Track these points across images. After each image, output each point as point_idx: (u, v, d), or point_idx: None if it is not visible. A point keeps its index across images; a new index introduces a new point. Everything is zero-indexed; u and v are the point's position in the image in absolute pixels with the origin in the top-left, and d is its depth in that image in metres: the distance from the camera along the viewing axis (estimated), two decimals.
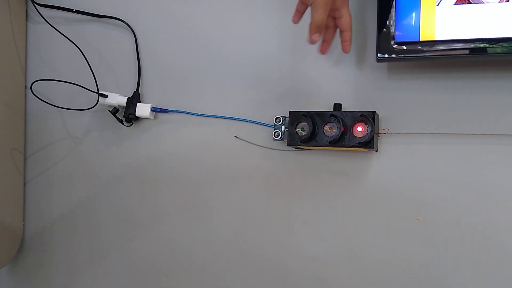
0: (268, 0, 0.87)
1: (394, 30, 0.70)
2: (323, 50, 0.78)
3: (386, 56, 0.72)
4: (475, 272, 0.75)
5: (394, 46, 0.71)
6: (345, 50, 0.76)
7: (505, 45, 0.65)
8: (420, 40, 0.69)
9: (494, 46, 0.66)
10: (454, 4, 0.67)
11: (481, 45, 0.66)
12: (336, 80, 0.83)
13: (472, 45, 0.67)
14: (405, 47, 0.70)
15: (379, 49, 0.72)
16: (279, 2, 0.87)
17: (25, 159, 1.02)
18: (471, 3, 0.66)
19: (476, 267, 0.74)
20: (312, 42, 0.70)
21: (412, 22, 0.69)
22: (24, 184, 1.02)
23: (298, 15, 0.74)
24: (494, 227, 0.74)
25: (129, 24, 0.95)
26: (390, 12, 0.71)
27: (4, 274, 1.03)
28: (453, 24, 0.67)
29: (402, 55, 0.71)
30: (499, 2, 0.65)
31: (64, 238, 1.01)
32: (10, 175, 0.97)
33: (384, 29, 0.72)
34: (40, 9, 0.97)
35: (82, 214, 0.99)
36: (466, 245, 0.75)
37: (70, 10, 0.98)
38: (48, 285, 1.01)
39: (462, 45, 0.67)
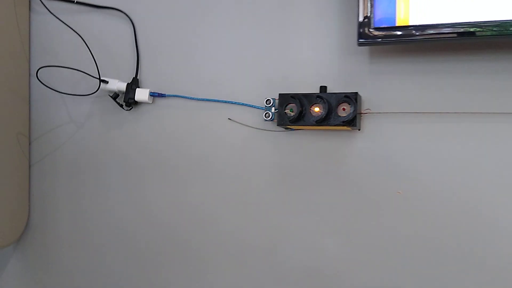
0: None
1: (373, 16, 0.77)
2: None
3: (366, 40, 0.78)
4: (450, 239, 0.81)
5: (373, 31, 0.77)
6: None
7: (478, 29, 0.72)
8: (396, 25, 0.76)
9: (473, 29, 0.72)
10: None
11: (464, 29, 0.73)
12: (322, 65, 0.89)
13: (444, 30, 0.74)
14: (382, 32, 0.77)
15: (359, 35, 0.78)
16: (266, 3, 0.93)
17: (30, 143, 1.07)
18: None
19: (452, 235, 0.81)
20: None
21: (388, 9, 0.76)
22: (30, 166, 1.07)
23: None
24: (470, 198, 0.81)
25: (128, 14, 1.01)
26: (370, 0, 0.77)
27: (11, 251, 1.09)
28: (425, 10, 0.74)
29: (380, 40, 0.77)
30: None
31: (68, 217, 1.06)
32: (16, 158, 1.03)
33: (364, 16, 0.78)
34: (43, 0, 1.02)
35: (85, 194, 1.05)
36: (443, 216, 0.82)
37: (72, 2, 1.04)
38: (52, 262, 1.07)
39: (433, 30, 0.74)
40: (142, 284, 1.01)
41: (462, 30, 0.73)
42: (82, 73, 0.98)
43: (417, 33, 0.75)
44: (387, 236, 0.85)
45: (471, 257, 0.80)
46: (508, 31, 0.70)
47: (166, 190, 0.99)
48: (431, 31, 0.74)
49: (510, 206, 0.78)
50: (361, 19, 0.78)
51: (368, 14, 0.77)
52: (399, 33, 0.76)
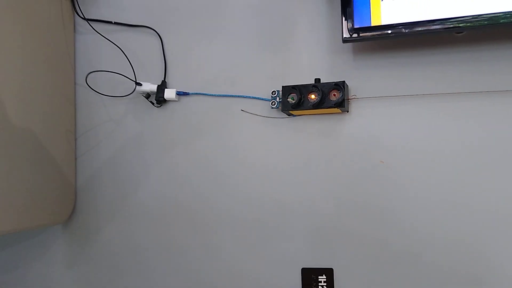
0: (260, 8, 1.15)
1: (353, 19, 0.98)
2: None
3: (349, 38, 0.99)
4: (423, 197, 0.99)
5: (354, 31, 0.98)
6: None
7: (437, 26, 0.92)
8: (372, 25, 0.97)
9: (434, 26, 0.92)
10: None
11: (425, 27, 0.92)
12: (315, 61, 1.09)
13: (408, 27, 0.94)
14: (361, 31, 0.98)
15: (343, 34, 0.99)
16: (268, 14, 1.15)
17: (76, 139, 1.24)
18: None
19: (425, 193, 0.99)
20: None
21: (365, 13, 0.96)
22: (75, 159, 1.24)
23: None
24: (440, 164, 0.99)
25: (156, 30, 1.21)
26: (350, 7, 0.98)
27: (61, 231, 1.25)
28: (393, 12, 0.95)
29: (360, 37, 0.98)
30: None
31: (109, 202, 1.22)
32: (64, 151, 1.20)
33: (347, 19, 0.99)
34: (88, 22, 1.23)
35: (124, 182, 1.20)
36: (418, 180, 1.00)
37: (110, 22, 1.25)
38: (95, 241, 1.22)
39: (401, 27, 0.94)
40: (179, 267, 1.16)
41: (422, 27, 0.93)
42: (118, 79, 1.17)
43: (388, 31, 0.96)
44: (372, 197, 1.02)
45: (445, 211, 0.98)
46: (455, 27, 0.91)
47: (193, 167, 1.15)
48: (399, 29, 0.94)
49: (473, 168, 0.97)
50: (344, 22, 0.99)
51: (349, 18, 0.98)
52: (374, 31, 0.97)
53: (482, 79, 0.98)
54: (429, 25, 0.93)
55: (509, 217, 0.94)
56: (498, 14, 0.88)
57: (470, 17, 0.90)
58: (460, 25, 0.91)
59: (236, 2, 1.17)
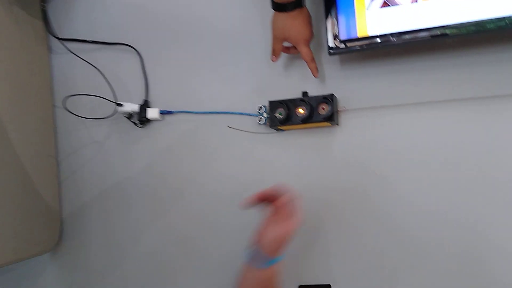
0: (243, 22, 1.12)
1: (338, 31, 0.95)
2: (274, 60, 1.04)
3: (335, 51, 0.96)
4: (418, 210, 0.97)
5: (340, 43, 0.95)
6: (313, 75, 1.02)
7: (420, 36, 0.90)
8: (358, 36, 0.94)
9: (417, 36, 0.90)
10: (380, 7, 0.92)
11: (410, 36, 0.90)
12: (302, 74, 1.06)
13: (395, 37, 0.92)
14: (347, 43, 0.95)
15: (329, 46, 0.96)
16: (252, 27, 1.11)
17: (58, 164, 1.21)
18: (390, 5, 0.92)
19: (419, 205, 0.98)
20: (272, 61, 1.02)
21: (350, 24, 0.94)
22: (59, 183, 1.21)
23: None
24: (434, 174, 0.97)
25: (135, 48, 1.18)
26: (335, 18, 0.95)
27: (48, 259, 1.21)
28: (379, 22, 0.92)
29: (346, 49, 0.95)
30: (411, 2, 0.91)
31: (96, 226, 1.19)
32: (47, 177, 1.17)
33: (332, 31, 0.96)
34: (62, 42, 1.19)
35: (110, 205, 1.18)
36: (411, 190, 0.98)
37: (86, 41, 1.20)
38: (84, 266, 1.19)
39: (386, 38, 0.92)
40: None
41: (407, 37, 0.91)
42: (98, 100, 1.14)
43: (374, 42, 0.93)
44: (366, 209, 1.01)
45: (440, 219, 0.96)
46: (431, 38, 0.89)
47: (181, 186, 1.13)
48: (385, 39, 0.92)
49: (466, 175, 0.96)
50: (329, 35, 0.96)
51: (335, 30, 0.96)
52: (360, 42, 0.94)
53: (471, 85, 0.96)
54: (417, 33, 0.91)
55: (506, 223, 0.93)
56: (485, 20, 0.87)
57: (457, 24, 0.88)
58: (447, 32, 0.89)
59: (218, 17, 1.14)
